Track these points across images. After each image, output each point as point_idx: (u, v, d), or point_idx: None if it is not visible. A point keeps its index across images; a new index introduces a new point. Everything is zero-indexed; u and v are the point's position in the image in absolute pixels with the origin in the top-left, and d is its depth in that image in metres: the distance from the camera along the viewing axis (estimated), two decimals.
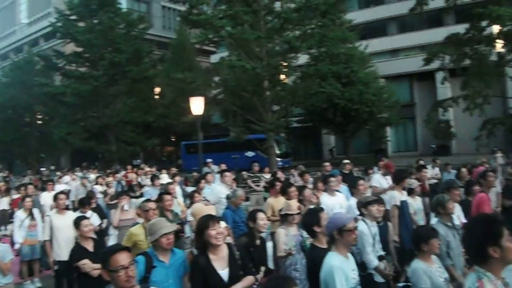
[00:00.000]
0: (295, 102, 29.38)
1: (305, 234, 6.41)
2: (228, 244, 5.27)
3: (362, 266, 6.19)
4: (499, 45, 24.48)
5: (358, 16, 39.43)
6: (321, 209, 6.06)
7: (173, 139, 47.55)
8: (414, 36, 43.42)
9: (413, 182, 9.12)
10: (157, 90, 41.67)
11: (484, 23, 24.92)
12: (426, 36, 39.74)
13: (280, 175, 12.69)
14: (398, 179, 9.01)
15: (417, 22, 41.95)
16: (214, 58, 43.35)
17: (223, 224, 6.29)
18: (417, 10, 26.78)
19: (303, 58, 30.23)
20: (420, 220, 8.54)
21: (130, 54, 37.76)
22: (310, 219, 5.70)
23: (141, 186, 14.72)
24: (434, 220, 6.92)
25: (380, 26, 46.29)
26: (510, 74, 26.67)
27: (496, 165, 13.53)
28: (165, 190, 10.07)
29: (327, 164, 14.02)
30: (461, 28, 26.64)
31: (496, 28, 24.07)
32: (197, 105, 20.72)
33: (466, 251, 3.19)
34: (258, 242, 6.48)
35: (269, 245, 7.15)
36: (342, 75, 31.47)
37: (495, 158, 14.52)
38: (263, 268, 6.34)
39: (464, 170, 12.38)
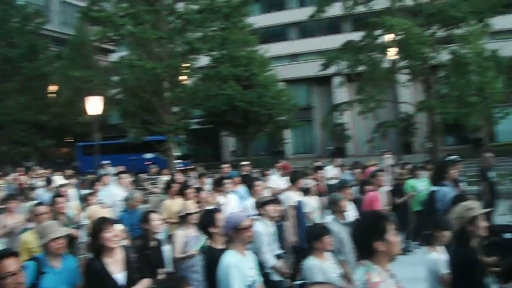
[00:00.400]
0: (195, 104, 29.31)
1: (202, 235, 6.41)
2: (124, 247, 5.17)
3: (259, 265, 6.27)
4: (391, 53, 25.56)
5: (260, 20, 39.90)
6: (217, 210, 6.08)
7: (69, 140, 45.90)
8: (313, 42, 44.55)
9: (309, 182, 9.37)
10: (53, 88, 40.01)
11: (378, 32, 25.95)
12: (325, 42, 40.79)
13: (179, 177, 12.60)
14: (293, 179, 9.27)
15: (316, 28, 43.12)
16: (114, 57, 42.35)
17: (119, 226, 6.15)
18: (317, 16, 27.43)
19: (204, 60, 30.21)
20: (317, 218, 8.78)
21: (25, 49, 36.11)
22: (206, 220, 5.70)
23: (33, 189, 14.07)
24: (328, 218, 7.14)
25: (281, 31, 47.19)
26: (401, 81, 27.93)
27: (385, 166, 14.15)
28: (57, 193, 9.70)
29: (225, 166, 14.06)
30: (357, 36, 27.57)
31: (389, 37, 25.13)
32: (94, 105, 20.22)
33: (355, 246, 3.34)
34: (153, 243, 6.40)
35: (168, 248, 7.07)
36: (242, 77, 31.72)
37: (384, 159, 15.18)
38: (162, 270, 6.27)
39: (357, 170, 12.87)
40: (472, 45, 23.61)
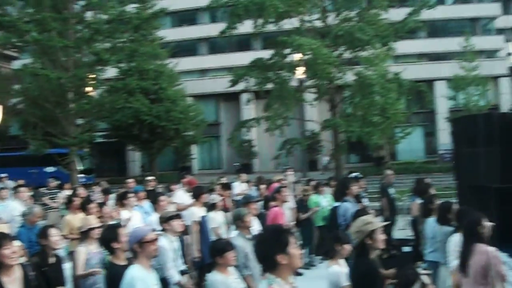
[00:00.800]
0: (100, 117, 28.55)
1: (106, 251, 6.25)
2: (22, 265, 4.94)
3: (164, 281, 6.21)
4: (299, 72, 26.12)
5: (170, 34, 39.58)
6: (120, 225, 5.95)
7: None
8: (223, 58, 44.82)
9: (215, 198, 9.38)
10: None
11: (287, 51, 26.45)
12: (234, 59, 41.08)
13: (81, 191, 12.23)
14: (197, 195, 9.29)
15: (226, 44, 43.45)
16: (17, 65, 40.60)
17: (17, 243, 5.87)
18: (227, 33, 27.56)
19: (111, 72, 29.59)
20: (224, 234, 8.80)
21: None
22: (108, 235, 5.55)
23: None
24: (233, 233, 7.17)
25: (191, 45, 47.16)
26: (308, 99, 28.58)
27: (288, 182, 14.39)
28: None
29: (130, 180, 13.84)
30: (266, 54, 27.95)
31: (297, 56, 25.67)
32: None
33: (258, 260, 3.36)
34: (52, 260, 6.15)
35: (69, 265, 6.83)
36: (150, 91, 31.24)
37: (287, 176, 15.45)
38: None
39: (263, 186, 13.01)
40: (376, 67, 24.62)
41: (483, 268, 5.02)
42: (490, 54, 43.26)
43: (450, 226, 6.81)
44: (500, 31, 44.82)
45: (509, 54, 30.02)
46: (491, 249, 5.13)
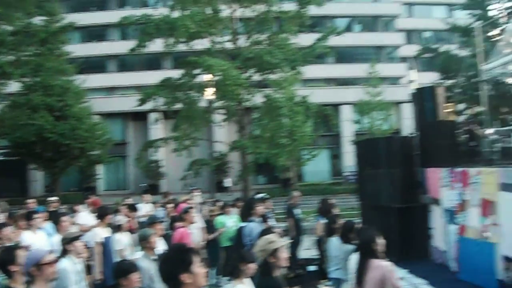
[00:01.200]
0: (1, 133, 27.38)
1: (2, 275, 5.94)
2: None
3: None
4: (208, 93, 26.27)
5: (78, 49, 38.53)
6: (18, 247, 5.69)
7: None
8: (132, 76, 44.18)
9: (120, 219, 9.21)
10: None
11: (197, 71, 26.55)
12: (144, 77, 40.60)
13: None
14: (101, 215, 9.13)
15: (136, 62, 42.88)
16: None
17: None
18: (137, 51, 27.31)
19: (14, 86, 28.46)
20: (129, 255, 8.64)
21: None
22: (5, 257, 5.28)
23: None
24: (138, 254, 7.06)
25: (100, 62, 46.17)
26: (216, 120, 28.75)
27: (194, 203, 14.35)
28: None
29: (31, 201, 13.27)
30: (176, 73, 27.92)
31: (207, 77, 25.82)
32: None
33: (162, 279, 3.32)
34: None
35: None
36: (55, 108, 30.13)
37: (193, 197, 15.41)
38: None
39: (170, 205, 12.90)
40: (284, 91, 25.23)
41: (379, 282, 5.23)
42: (394, 80, 45.39)
43: (351, 245, 7.03)
44: (403, 59, 47.20)
45: (410, 81, 31.58)
46: (386, 264, 5.36)
